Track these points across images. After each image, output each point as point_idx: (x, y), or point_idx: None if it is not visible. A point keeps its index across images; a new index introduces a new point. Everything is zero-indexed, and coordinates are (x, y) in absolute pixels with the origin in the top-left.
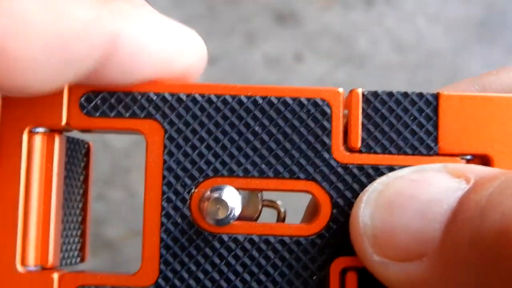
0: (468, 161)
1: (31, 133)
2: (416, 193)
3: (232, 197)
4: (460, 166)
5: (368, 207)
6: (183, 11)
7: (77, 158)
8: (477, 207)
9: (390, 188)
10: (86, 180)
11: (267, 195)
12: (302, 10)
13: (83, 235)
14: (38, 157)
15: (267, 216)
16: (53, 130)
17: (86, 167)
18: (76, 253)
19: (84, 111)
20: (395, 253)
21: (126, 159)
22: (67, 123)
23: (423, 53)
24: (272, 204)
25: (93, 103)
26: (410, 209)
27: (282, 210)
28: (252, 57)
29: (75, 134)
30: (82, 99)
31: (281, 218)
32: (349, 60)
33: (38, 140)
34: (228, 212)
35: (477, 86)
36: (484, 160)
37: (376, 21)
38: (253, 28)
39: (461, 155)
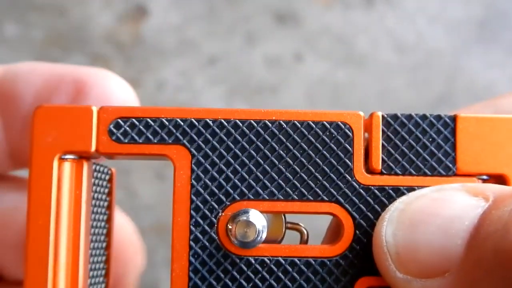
0: (484, 181)
1: (61, 160)
2: (437, 211)
3: (258, 220)
4: (478, 185)
5: (391, 225)
6: (183, 11)
7: (102, 184)
8: (500, 222)
9: (412, 207)
10: (110, 206)
11: (289, 217)
12: (302, 10)
13: (107, 261)
14: (68, 184)
15: (288, 239)
16: (82, 157)
17: (110, 194)
18: (101, 279)
19: (113, 138)
20: (418, 270)
21: (127, 160)
22: (96, 150)
23: (423, 53)
24: (295, 227)
25: (122, 129)
26: (432, 226)
27: (305, 232)
28: (252, 57)
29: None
30: (111, 125)
31: (304, 240)
32: (349, 60)
33: (67, 167)
34: (256, 235)
35: (491, 108)
36: (500, 180)
37: (376, 21)
38: (253, 28)
39: (478, 175)
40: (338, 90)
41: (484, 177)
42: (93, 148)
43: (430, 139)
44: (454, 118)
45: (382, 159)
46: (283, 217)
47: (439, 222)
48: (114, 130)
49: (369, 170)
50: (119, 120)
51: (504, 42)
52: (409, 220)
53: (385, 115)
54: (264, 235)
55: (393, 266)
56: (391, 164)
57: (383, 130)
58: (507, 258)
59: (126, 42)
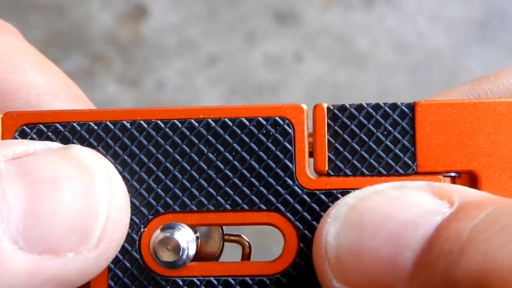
0: (452, 179)
1: None
2: (391, 213)
3: (185, 236)
4: (447, 186)
5: (335, 224)
6: (183, 11)
7: None
8: (457, 241)
9: (364, 204)
10: None
11: (229, 228)
12: (302, 10)
13: None
14: None
15: (233, 250)
16: None
17: None
18: None
19: None
20: (358, 282)
21: None
22: None
23: (423, 53)
24: (235, 239)
25: (28, 137)
26: (383, 230)
27: (247, 244)
28: (252, 57)
29: None
30: (16, 133)
31: (246, 254)
32: (349, 60)
33: None
34: (180, 254)
35: (471, 94)
36: (470, 176)
37: (376, 21)
38: (253, 28)
39: (443, 172)
40: (338, 90)
41: (452, 174)
42: None
43: (385, 133)
44: (412, 106)
45: (329, 158)
46: (220, 229)
47: (391, 226)
48: (20, 139)
49: (314, 172)
50: (25, 127)
51: (504, 42)
52: (358, 219)
53: (331, 107)
54: (191, 253)
55: (329, 272)
56: (339, 164)
57: (329, 124)
58: None
59: (126, 42)
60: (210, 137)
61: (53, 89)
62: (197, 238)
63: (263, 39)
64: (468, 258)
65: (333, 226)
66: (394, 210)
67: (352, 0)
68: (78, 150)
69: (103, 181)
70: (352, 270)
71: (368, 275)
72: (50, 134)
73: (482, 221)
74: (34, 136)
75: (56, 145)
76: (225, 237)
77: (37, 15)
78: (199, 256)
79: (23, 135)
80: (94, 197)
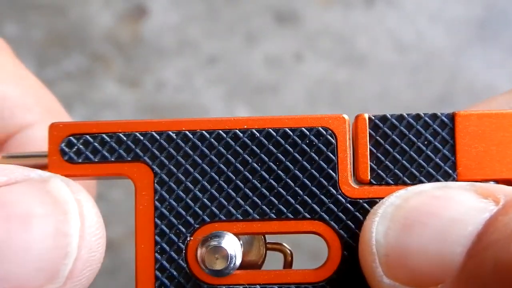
0: None
1: None
2: (437, 211)
3: (231, 245)
4: (489, 185)
5: (383, 222)
6: (183, 11)
7: None
8: (505, 230)
9: (409, 203)
10: None
11: (272, 237)
12: (302, 10)
13: None
14: None
15: (275, 258)
16: None
17: None
18: None
19: (65, 158)
20: (407, 277)
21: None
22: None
23: (423, 53)
24: (277, 247)
25: (75, 147)
26: (429, 228)
27: (289, 252)
28: (252, 57)
29: None
30: (63, 144)
31: (288, 262)
32: (349, 60)
33: None
34: (228, 262)
35: (492, 107)
36: (509, 185)
37: (376, 21)
38: (253, 28)
39: (483, 181)
40: (338, 90)
41: (491, 183)
42: None
43: (426, 142)
44: (452, 117)
45: (371, 167)
46: (262, 237)
47: (438, 224)
48: (66, 149)
49: (357, 181)
50: (71, 138)
51: (504, 42)
52: (405, 218)
53: (372, 117)
54: (238, 261)
55: (380, 269)
56: (381, 173)
57: (370, 135)
58: (507, 273)
59: (126, 42)
60: (254, 147)
61: (26, 102)
62: (241, 246)
63: (263, 39)
64: None
65: (381, 225)
66: (439, 208)
67: (352, 0)
68: (55, 184)
69: (75, 220)
70: (401, 267)
71: (416, 270)
72: (96, 144)
73: None
74: (81, 146)
75: (36, 173)
76: (267, 245)
77: (37, 15)
78: (242, 264)
79: (70, 145)
80: (64, 238)
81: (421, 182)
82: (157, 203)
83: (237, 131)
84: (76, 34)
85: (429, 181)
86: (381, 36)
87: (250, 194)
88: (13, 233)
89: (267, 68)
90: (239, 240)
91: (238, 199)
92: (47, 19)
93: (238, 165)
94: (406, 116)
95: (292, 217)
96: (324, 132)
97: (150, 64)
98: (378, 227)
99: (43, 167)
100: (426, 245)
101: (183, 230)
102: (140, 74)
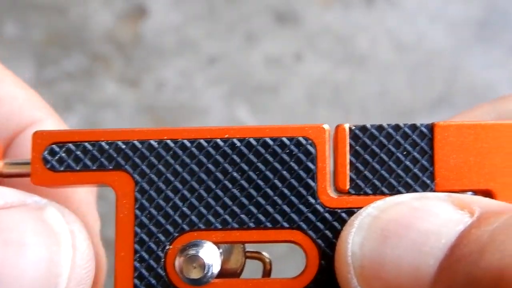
0: None
1: None
2: (414, 223)
3: (209, 254)
4: (466, 197)
5: (359, 233)
6: (183, 11)
7: None
8: (477, 244)
9: (387, 215)
10: None
11: (251, 245)
12: (302, 10)
13: None
14: None
15: (254, 267)
16: None
17: None
18: None
19: (48, 166)
20: None
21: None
22: (31, 181)
23: (423, 53)
24: (256, 255)
25: (57, 156)
26: (405, 240)
27: (268, 261)
28: (252, 57)
29: None
30: (45, 152)
31: (267, 270)
32: (349, 60)
33: None
34: (206, 271)
35: (493, 114)
36: (486, 196)
37: (376, 21)
38: (253, 28)
39: (460, 191)
40: (338, 90)
41: (469, 193)
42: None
43: (405, 153)
44: (431, 127)
45: (350, 177)
46: (242, 246)
47: (414, 236)
48: (49, 157)
49: (336, 191)
50: (54, 146)
51: (504, 42)
52: (381, 230)
53: (353, 127)
54: (216, 270)
55: (355, 280)
56: (360, 183)
57: (350, 145)
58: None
59: (126, 42)
60: (234, 157)
61: (33, 101)
62: (220, 254)
63: (263, 39)
64: (488, 258)
65: (358, 236)
66: (416, 220)
67: (352, 0)
68: (50, 214)
69: (67, 251)
70: (376, 278)
71: (391, 282)
72: (79, 153)
73: (500, 225)
74: (63, 155)
75: (33, 200)
76: (247, 254)
77: (37, 15)
78: (221, 272)
79: (52, 153)
80: (56, 268)
81: (399, 192)
82: (137, 211)
83: (218, 140)
84: (76, 34)
85: (407, 191)
86: (381, 36)
87: (230, 203)
88: (8, 258)
89: (267, 68)
90: (219, 249)
91: (218, 208)
92: (47, 19)
93: (218, 174)
94: (386, 126)
95: (270, 226)
96: (304, 142)
97: (150, 64)
98: (354, 238)
99: (27, 175)
100: (401, 257)
101: (163, 238)
102: (140, 74)
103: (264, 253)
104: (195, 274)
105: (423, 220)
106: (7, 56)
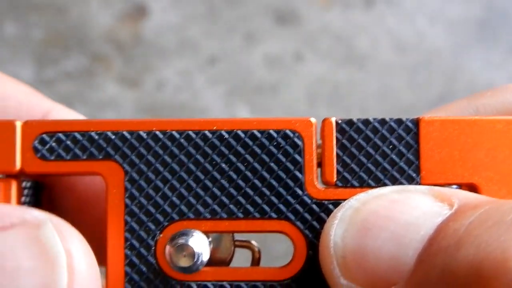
0: None
1: None
2: (394, 215)
3: (199, 242)
4: (446, 190)
5: (341, 225)
6: (183, 11)
7: (34, 202)
8: (454, 237)
9: (368, 207)
10: None
11: (240, 235)
12: (302, 10)
13: None
14: None
15: (243, 256)
16: (9, 176)
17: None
18: None
19: (38, 155)
20: (363, 279)
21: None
22: (21, 169)
23: (423, 53)
24: (245, 244)
25: (48, 145)
26: (385, 231)
27: (257, 250)
28: (252, 57)
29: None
30: (36, 141)
31: (255, 259)
32: (349, 60)
33: None
34: (195, 259)
35: (470, 109)
36: (471, 189)
37: (376, 21)
38: (253, 28)
39: (445, 185)
40: (338, 90)
41: (454, 187)
42: (17, 167)
43: (391, 146)
44: (416, 122)
45: (337, 170)
46: (231, 235)
47: (393, 228)
48: (39, 147)
49: (323, 183)
50: (44, 136)
51: (504, 42)
52: (362, 221)
53: (339, 121)
54: (205, 258)
55: (337, 270)
56: (347, 176)
57: (337, 138)
58: (452, 280)
59: (126, 42)
60: (223, 148)
61: (38, 95)
62: (209, 243)
63: (263, 39)
64: (463, 251)
65: (339, 228)
66: (396, 212)
67: (352, 0)
68: (47, 232)
69: (63, 275)
70: (358, 268)
71: (372, 272)
72: (68, 143)
73: (476, 218)
74: (53, 144)
75: (32, 215)
76: (236, 243)
77: (37, 15)
78: (211, 261)
79: (43, 143)
80: None
81: (385, 185)
82: (127, 200)
83: (206, 132)
84: (76, 34)
85: (393, 184)
86: (381, 36)
87: (218, 193)
88: (3, 286)
89: (267, 68)
90: (208, 238)
91: (207, 198)
92: (47, 19)
93: (206, 165)
94: (372, 120)
95: (259, 216)
96: (291, 135)
97: (150, 64)
98: (336, 230)
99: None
100: (381, 248)
101: (153, 227)
102: (140, 74)
103: (253, 242)
104: (184, 262)
105: (402, 213)
106: (7, 56)
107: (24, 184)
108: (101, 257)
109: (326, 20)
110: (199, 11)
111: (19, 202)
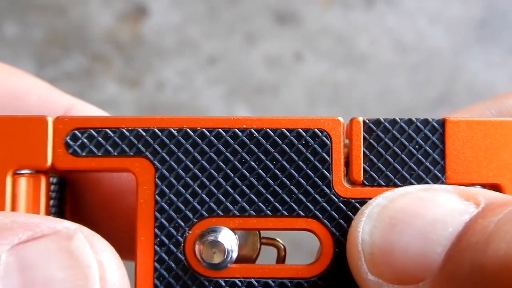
0: None
1: (16, 176)
2: (421, 212)
3: (228, 239)
4: (472, 189)
5: (369, 222)
6: (183, 11)
7: (62, 198)
8: (483, 233)
9: (395, 204)
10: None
11: (266, 232)
12: (302, 10)
13: None
14: (24, 201)
15: (268, 253)
16: (39, 172)
17: (66, 204)
18: None
19: (70, 151)
20: (391, 275)
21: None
22: (52, 165)
23: (423, 53)
24: (271, 242)
25: (79, 141)
26: (413, 228)
27: (282, 247)
28: (252, 57)
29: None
30: (68, 137)
31: (281, 257)
32: (349, 60)
33: (23, 183)
34: (226, 256)
35: (493, 110)
36: (494, 190)
37: (376, 21)
38: (253, 28)
39: (470, 185)
40: (338, 90)
41: (478, 187)
42: (48, 163)
43: (417, 146)
44: (442, 123)
45: (364, 169)
46: (258, 232)
47: (420, 225)
48: (71, 143)
49: (350, 182)
50: (76, 132)
51: (504, 42)
52: (389, 218)
53: (367, 121)
54: (234, 255)
55: (365, 266)
56: (374, 175)
57: (364, 137)
58: (483, 275)
59: (126, 42)
60: (252, 146)
61: (58, 91)
62: (237, 240)
63: (263, 39)
64: (493, 247)
65: (367, 225)
66: (422, 210)
67: (352, 0)
68: (79, 244)
69: (95, 286)
70: (385, 264)
71: (399, 268)
72: (100, 139)
73: (505, 215)
74: (85, 140)
75: (63, 226)
76: (262, 240)
77: (37, 15)
78: (238, 258)
79: (74, 139)
80: None
81: (411, 184)
82: (157, 197)
83: (236, 130)
84: (76, 34)
85: (419, 183)
86: (381, 36)
87: (247, 191)
88: None
89: (267, 68)
90: (235, 235)
91: (236, 195)
92: (47, 19)
93: (236, 163)
94: (399, 120)
95: (287, 214)
96: (320, 134)
97: (150, 64)
98: (364, 227)
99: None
100: (409, 244)
101: (182, 224)
102: (140, 74)
103: (279, 239)
104: (215, 259)
105: (429, 210)
106: (7, 56)
107: (51, 180)
108: (124, 253)
109: (326, 20)
110: (199, 11)
111: (48, 198)
